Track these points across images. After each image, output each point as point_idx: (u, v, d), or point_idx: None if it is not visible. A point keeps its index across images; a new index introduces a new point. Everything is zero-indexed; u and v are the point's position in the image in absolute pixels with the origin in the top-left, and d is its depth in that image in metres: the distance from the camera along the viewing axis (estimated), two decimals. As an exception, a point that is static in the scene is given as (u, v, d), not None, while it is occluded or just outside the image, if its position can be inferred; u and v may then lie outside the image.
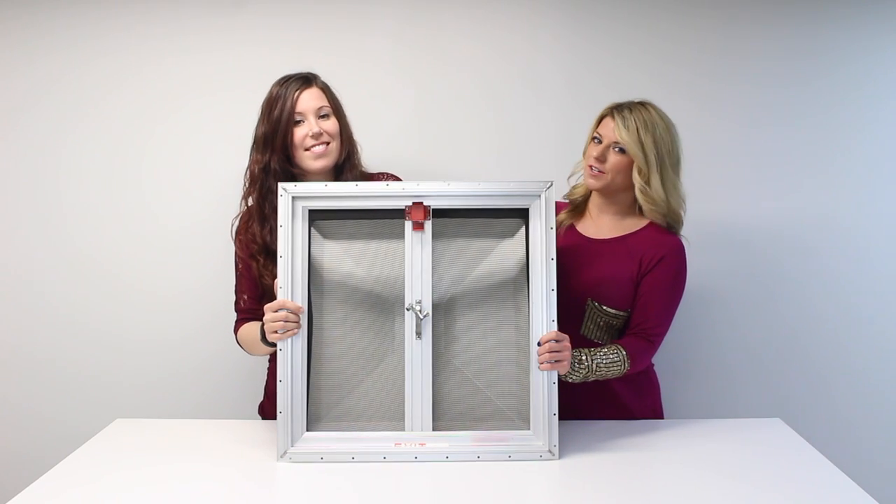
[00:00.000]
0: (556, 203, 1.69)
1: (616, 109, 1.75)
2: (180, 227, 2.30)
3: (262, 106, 1.75)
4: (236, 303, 1.80)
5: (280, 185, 1.59)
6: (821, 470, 1.51)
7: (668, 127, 1.74)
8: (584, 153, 1.81)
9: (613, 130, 1.72)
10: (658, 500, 1.41)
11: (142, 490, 1.43)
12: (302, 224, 1.58)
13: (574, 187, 1.90)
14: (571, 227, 1.86)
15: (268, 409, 1.87)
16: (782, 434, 1.71)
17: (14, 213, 2.30)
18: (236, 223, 1.80)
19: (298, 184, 1.60)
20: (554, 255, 1.57)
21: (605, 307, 1.76)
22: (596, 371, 1.67)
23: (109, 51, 2.25)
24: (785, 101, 2.26)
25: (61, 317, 2.33)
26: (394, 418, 1.58)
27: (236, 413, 2.02)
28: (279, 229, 1.57)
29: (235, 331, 1.79)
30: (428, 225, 1.59)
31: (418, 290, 1.58)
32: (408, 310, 1.58)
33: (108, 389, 2.34)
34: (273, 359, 1.83)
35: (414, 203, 1.58)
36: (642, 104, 1.76)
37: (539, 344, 1.56)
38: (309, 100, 1.72)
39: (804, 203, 2.29)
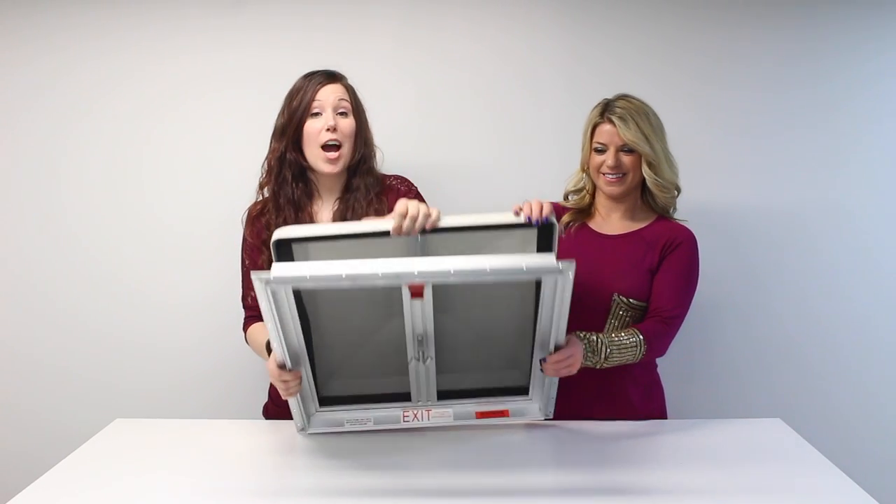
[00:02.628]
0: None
1: (606, 113, 1.75)
2: (181, 228, 2.29)
3: (285, 97, 1.74)
4: (244, 298, 1.77)
5: (253, 275, 1.34)
6: (821, 470, 1.51)
7: (650, 107, 1.76)
8: (587, 165, 1.82)
9: (616, 134, 1.72)
10: (658, 500, 1.41)
11: (141, 490, 1.43)
12: (287, 299, 1.40)
13: (573, 196, 1.90)
14: (584, 225, 1.86)
15: (272, 411, 1.86)
16: (782, 434, 1.71)
17: (15, 213, 2.30)
18: (246, 212, 1.78)
19: (276, 266, 1.34)
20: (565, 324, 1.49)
21: (630, 300, 1.75)
22: (609, 357, 1.65)
23: (109, 51, 2.25)
24: (784, 104, 2.26)
25: (61, 318, 2.33)
26: (400, 387, 1.61)
27: (240, 416, 2.01)
28: (264, 315, 1.39)
29: (245, 329, 1.77)
30: (428, 293, 1.43)
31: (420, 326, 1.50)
32: (410, 362, 1.55)
33: (109, 391, 2.34)
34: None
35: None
36: (623, 98, 1.77)
37: (543, 360, 1.54)
38: (329, 93, 1.70)
39: (804, 204, 2.29)
